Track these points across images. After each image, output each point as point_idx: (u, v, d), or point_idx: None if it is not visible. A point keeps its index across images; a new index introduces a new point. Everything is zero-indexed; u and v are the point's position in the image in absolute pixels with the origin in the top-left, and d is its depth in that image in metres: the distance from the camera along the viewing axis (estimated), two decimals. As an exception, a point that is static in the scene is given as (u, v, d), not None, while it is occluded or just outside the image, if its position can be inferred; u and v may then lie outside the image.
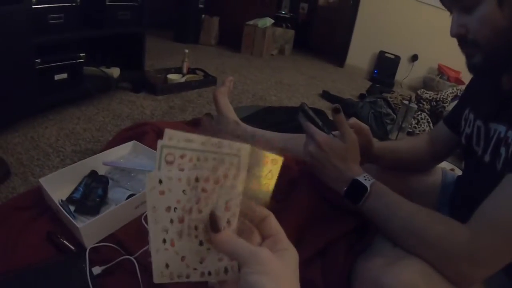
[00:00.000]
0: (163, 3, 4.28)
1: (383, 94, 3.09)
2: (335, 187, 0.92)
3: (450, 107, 2.82)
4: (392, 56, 4.20)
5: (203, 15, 4.36)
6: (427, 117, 2.79)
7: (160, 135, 1.43)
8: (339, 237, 0.99)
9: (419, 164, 1.18)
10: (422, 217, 0.77)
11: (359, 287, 0.79)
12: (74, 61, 2.06)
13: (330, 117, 1.04)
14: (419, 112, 2.78)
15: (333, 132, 0.94)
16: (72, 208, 1.04)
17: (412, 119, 2.66)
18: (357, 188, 0.87)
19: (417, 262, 0.71)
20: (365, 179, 0.87)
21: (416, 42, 4.08)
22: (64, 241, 0.91)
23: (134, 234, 0.99)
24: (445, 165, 1.24)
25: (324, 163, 0.91)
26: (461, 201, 1.01)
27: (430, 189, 1.17)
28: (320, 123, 0.94)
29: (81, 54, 2.07)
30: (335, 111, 0.90)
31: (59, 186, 1.10)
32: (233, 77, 1.88)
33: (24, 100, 1.76)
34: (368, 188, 0.85)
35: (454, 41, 0.81)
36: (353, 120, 1.03)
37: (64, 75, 2.01)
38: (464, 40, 0.78)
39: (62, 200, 1.05)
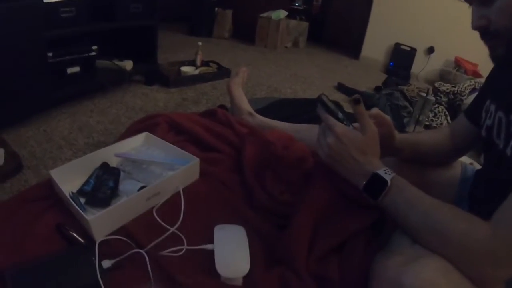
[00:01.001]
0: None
1: (399, 86, 3.02)
2: (353, 181, 0.89)
3: (468, 100, 2.75)
4: (408, 48, 4.12)
5: (216, 8, 4.32)
6: (445, 110, 2.71)
7: (172, 126, 1.42)
8: (357, 233, 0.96)
9: (439, 158, 1.15)
10: (443, 213, 0.74)
11: (377, 286, 0.76)
12: (87, 54, 2.05)
13: (347, 109, 1.01)
14: (436, 105, 2.71)
15: (353, 124, 0.91)
16: (82, 200, 1.02)
17: (429, 112, 2.59)
18: (376, 182, 0.83)
19: (438, 260, 0.68)
20: (385, 173, 0.83)
21: (432, 33, 3.99)
22: (74, 234, 0.89)
23: (145, 227, 0.96)
24: (463, 159, 1.21)
25: (343, 156, 0.87)
26: (480, 196, 0.97)
27: (449, 183, 1.13)
28: (340, 115, 0.91)
29: (93, 47, 2.07)
30: (355, 101, 0.87)
31: (70, 178, 1.08)
32: (247, 68, 1.85)
33: (37, 94, 1.75)
34: (389, 182, 0.81)
35: (471, 33, 0.78)
36: (376, 110, 1.00)
37: (76, 69, 2.01)
38: (486, 32, 0.75)
39: (72, 192, 1.03)
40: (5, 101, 1.57)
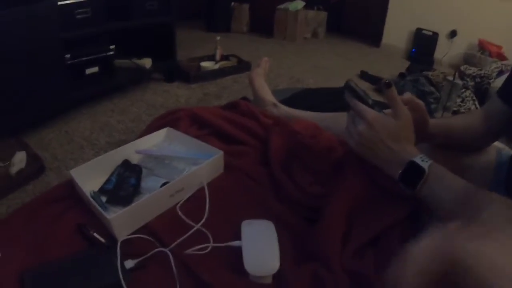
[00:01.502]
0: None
1: (424, 72, 2.92)
2: (388, 171, 0.84)
3: (495, 83, 2.65)
4: (430, 33, 3.98)
5: (232, 3, 4.28)
6: (472, 94, 2.60)
7: (195, 120, 1.38)
8: (392, 226, 0.90)
9: (474, 142, 1.08)
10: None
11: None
12: (104, 54, 2.04)
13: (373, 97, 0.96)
14: (463, 90, 2.60)
15: (385, 111, 0.86)
16: (104, 199, 0.99)
17: (458, 98, 2.49)
18: (413, 171, 0.78)
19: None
20: (422, 161, 0.78)
21: (454, 17, 3.84)
22: (94, 234, 0.85)
23: (169, 224, 0.92)
24: (495, 144, 1.16)
25: (375, 143, 0.82)
26: None
27: (484, 168, 1.07)
28: (370, 101, 0.86)
29: (111, 47, 2.05)
30: (387, 85, 0.82)
31: (91, 177, 1.05)
32: (268, 58, 1.80)
33: (57, 96, 1.75)
34: (426, 171, 0.76)
35: (494, 15, 0.70)
36: (408, 95, 0.94)
37: (95, 69, 1.99)
38: None
39: (94, 192, 1.00)
40: (25, 104, 1.57)
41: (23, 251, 0.83)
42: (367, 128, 0.82)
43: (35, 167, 1.39)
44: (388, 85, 0.82)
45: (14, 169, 1.33)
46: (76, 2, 1.79)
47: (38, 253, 0.83)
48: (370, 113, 0.83)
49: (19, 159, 1.36)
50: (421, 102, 0.95)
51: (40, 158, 1.45)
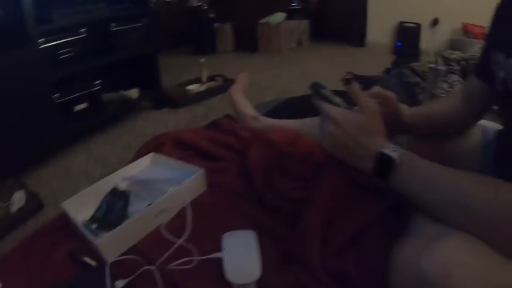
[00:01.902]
0: (175, 21, 4.34)
1: (409, 64, 2.95)
2: (363, 168, 0.80)
3: (483, 63, 2.65)
4: (413, 25, 4.04)
5: (215, 24, 4.36)
6: (460, 78, 2.63)
7: (178, 143, 1.44)
8: (373, 222, 0.90)
9: (457, 125, 1.07)
10: (465, 183, 0.67)
11: (396, 276, 0.69)
12: (91, 89, 2.10)
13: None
14: (450, 75, 2.63)
15: (355, 108, 0.84)
16: (95, 226, 1.04)
17: (445, 84, 2.52)
18: (384, 162, 0.76)
19: (462, 237, 0.61)
20: (393, 151, 0.75)
21: (434, 5, 3.89)
22: (85, 258, 0.90)
23: (156, 243, 0.97)
24: (482, 122, 1.15)
25: (345, 142, 0.80)
26: (507, 157, 0.90)
27: (470, 151, 1.06)
28: (336, 99, 0.85)
29: (97, 82, 2.11)
30: (346, 81, 0.81)
31: (83, 207, 1.12)
32: (246, 72, 1.84)
33: (49, 135, 1.82)
34: (397, 160, 0.73)
35: None
36: (376, 89, 0.96)
37: (84, 105, 2.05)
38: None
39: (85, 220, 1.05)
40: (20, 146, 1.64)
41: (23, 281, 0.89)
42: (335, 127, 0.80)
43: (34, 204, 1.46)
44: (348, 81, 0.81)
45: (14, 208, 1.40)
46: (58, 44, 1.86)
47: (36, 282, 0.88)
48: (335, 112, 0.81)
49: (18, 198, 1.43)
50: (390, 94, 0.96)
51: (38, 196, 1.51)
